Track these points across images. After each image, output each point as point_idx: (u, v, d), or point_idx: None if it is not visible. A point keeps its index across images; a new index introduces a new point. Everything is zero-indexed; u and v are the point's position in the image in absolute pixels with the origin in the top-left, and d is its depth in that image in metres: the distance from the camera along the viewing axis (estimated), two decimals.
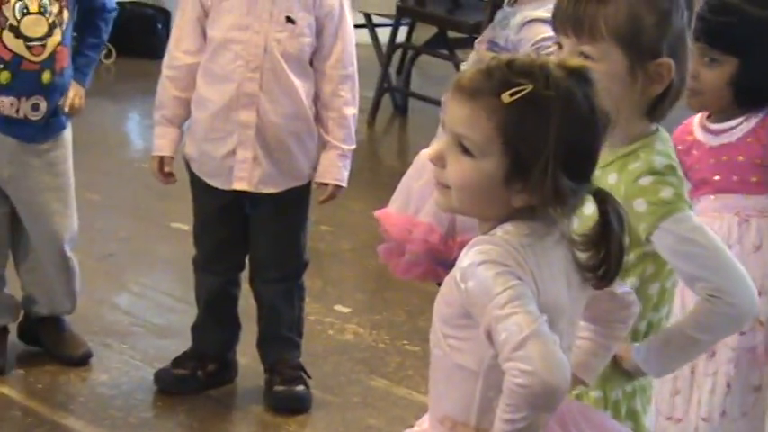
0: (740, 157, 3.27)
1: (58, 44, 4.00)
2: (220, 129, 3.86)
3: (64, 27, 4.00)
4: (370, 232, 4.64)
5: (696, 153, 3.28)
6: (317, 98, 3.92)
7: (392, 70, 7.55)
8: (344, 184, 4.00)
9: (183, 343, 4.15)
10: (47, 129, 4.06)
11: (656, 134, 2.55)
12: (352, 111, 3.98)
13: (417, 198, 3.73)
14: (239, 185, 3.88)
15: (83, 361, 4.23)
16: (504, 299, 2.03)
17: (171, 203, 4.97)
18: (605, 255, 2.19)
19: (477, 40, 3.87)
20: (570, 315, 2.20)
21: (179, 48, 3.94)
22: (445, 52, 7.38)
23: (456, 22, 7.06)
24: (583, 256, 2.18)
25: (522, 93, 2.11)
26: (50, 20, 3.97)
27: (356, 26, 6.41)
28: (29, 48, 3.96)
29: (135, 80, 7.18)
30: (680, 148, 3.16)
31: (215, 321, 4.11)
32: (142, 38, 7.79)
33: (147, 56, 7.31)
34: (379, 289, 4.97)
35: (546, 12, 3.61)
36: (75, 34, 4.23)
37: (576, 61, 2.27)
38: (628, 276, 2.54)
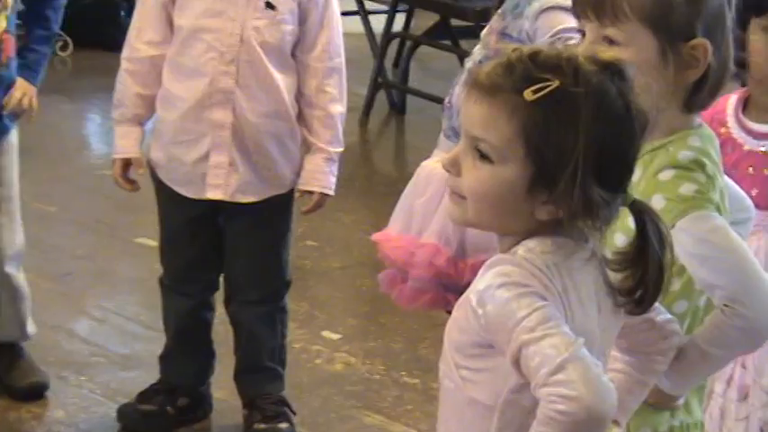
0: None
1: (3, 31, 4.04)
2: (191, 130, 3.85)
3: (8, 12, 4.04)
4: (363, 248, 4.80)
5: (732, 153, 3.28)
6: (300, 94, 3.93)
7: (388, 63, 7.53)
8: (332, 192, 3.98)
9: (150, 375, 4.13)
10: None
11: (696, 129, 2.55)
12: (339, 109, 3.99)
13: (420, 216, 3.77)
14: (213, 194, 3.87)
15: (36, 395, 4.20)
16: (533, 321, 2.02)
17: (136, 216, 5.00)
18: (642, 276, 2.19)
19: (484, 31, 3.89)
20: (601, 345, 2.20)
21: (141, 38, 3.93)
22: (448, 43, 7.45)
23: (460, 9, 7.06)
24: (617, 277, 2.18)
25: (548, 89, 2.10)
26: None
27: (347, 13, 6.51)
28: None
29: (94, 75, 7.11)
30: None
31: (186, 350, 4.09)
32: (103, 27, 7.71)
33: (108, 48, 7.16)
34: (373, 313, 4.96)
35: None
36: (19, 22, 4.21)
37: (609, 54, 2.25)
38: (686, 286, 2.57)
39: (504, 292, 2.06)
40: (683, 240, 2.43)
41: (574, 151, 2.09)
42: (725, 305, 2.42)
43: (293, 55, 3.91)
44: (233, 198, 3.90)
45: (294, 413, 4.06)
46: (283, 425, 3.99)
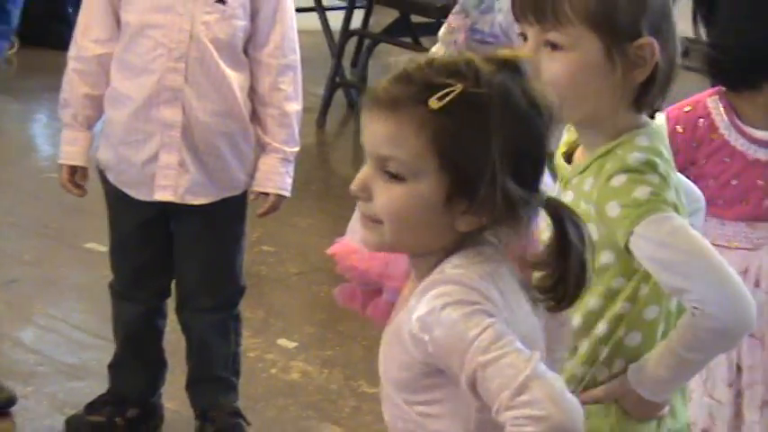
0: None
1: None
2: (140, 130, 3.86)
3: None
4: (321, 253, 4.59)
5: (729, 161, 3.32)
6: (252, 93, 3.95)
7: (346, 62, 7.61)
8: (288, 194, 3.99)
9: (99, 385, 4.13)
10: None
11: (642, 128, 2.55)
12: (294, 107, 4.00)
13: None
14: (162, 196, 3.88)
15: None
16: (486, 341, 2.01)
17: (84, 220, 5.03)
18: (563, 274, 2.21)
19: (441, 30, 4.00)
20: (544, 342, 2.23)
21: (87, 36, 3.93)
22: (408, 40, 7.48)
23: (421, 5, 7.11)
24: (536, 275, 2.21)
25: (453, 94, 2.10)
26: None
27: (303, 9, 6.50)
28: None
29: (41, 74, 7.10)
30: (681, 130, 3.27)
31: (136, 359, 4.09)
32: (49, 25, 7.66)
33: (55, 46, 7.11)
34: (331, 320, 4.95)
35: None
36: None
37: (505, 52, 2.25)
38: (615, 301, 2.58)
39: (450, 313, 2.06)
40: (644, 246, 2.45)
41: (489, 155, 2.10)
42: (694, 308, 2.42)
43: (245, 52, 3.92)
44: (183, 200, 3.90)
45: (248, 424, 4.06)
46: None
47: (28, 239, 4.95)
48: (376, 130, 2.16)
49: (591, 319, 2.63)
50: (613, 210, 2.47)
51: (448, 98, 2.09)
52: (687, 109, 3.28)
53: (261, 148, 3.98)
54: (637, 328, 2.58)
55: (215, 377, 4.08)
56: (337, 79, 7.29)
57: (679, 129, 3.28)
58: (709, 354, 2.60)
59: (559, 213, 2.19)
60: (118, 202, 4.01)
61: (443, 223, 2.14)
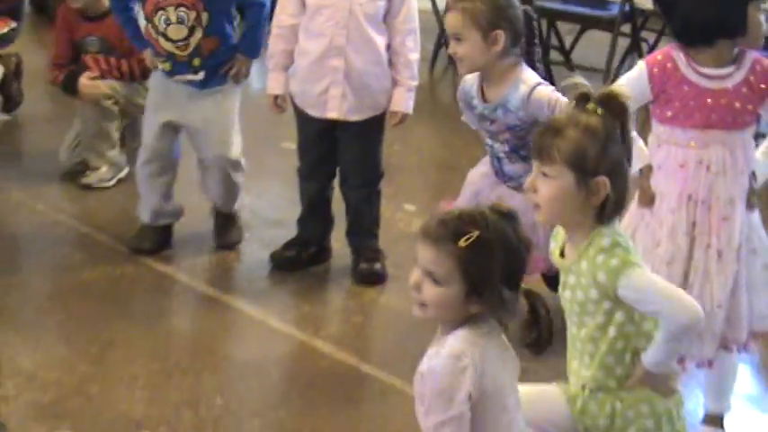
0: (737, 99, 3.35)
1: (201, 38, 4.43)
2: (317, 72, 4.24)
3: (204, 24, 4.43)
4: (430, 150, 4.86)
5: (688, 89, 3.36)
6: (389, 47, 4.28)
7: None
8: (410, 112, 4.35)
9: (291, 232, 4.62)
10: (205, 84, 4.52)
11: (603, 229, 2.75)
12: (415, 56, 4.32)
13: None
14: (331, 115, 4.29)
15: (231, 246, 4.71)
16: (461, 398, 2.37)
17: (281, 128, 5.23)
18: (538, 332, 2.53)
19: (489, 132, 4.03)
20: (513, 390, 2.51)
21: (284, 12, 4.32)
22: None
23: None
24: (522, 336, 2.52)
25: (473, 239, 2.39)
26: (189, 25, 4.42)
27: None
28: (177, 47, 4.46)
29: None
30: (656, 70, 3.37)
31: (314, 216, 4.53)
32: None
33: None
34: (438, 193, 5.14)
35: (527, 74, 3.82)
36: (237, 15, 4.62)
37: (504, 206, 2.52)
38: (612, 322, 2.81)
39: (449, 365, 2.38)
40: (626, 295, 2.71)
41: (492, 274, 2.39)
42: (665, 318, 2.72)
43: (384, 21, 4.25)
44: (345, 117, 4.29)
45: (386, 258, 4.49)
46: (378, 265, 4.46)
47: (246, 144, 4.83)
48: (425, 255, 2.43)
49: (611, 348, 2.82)
50: (602, 277, 2.72)
51: (469, 241, 2.39)
52: (659, 57, 3.38)
53: (393, 83, 4.32)
54: (641, 336, 2.81)
55: (364, 229, 4.52)
56: (442, 41, 7.25)
57: (655, 70, 3.37)
58: (680, 342, 2.79)
59: (532, 297, 2.53)
60: (302, 117, 4.40)
61: (462, 309, 2.43)
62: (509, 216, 2.43)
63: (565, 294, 2.85)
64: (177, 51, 4.48)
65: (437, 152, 4.41)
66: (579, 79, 2.98)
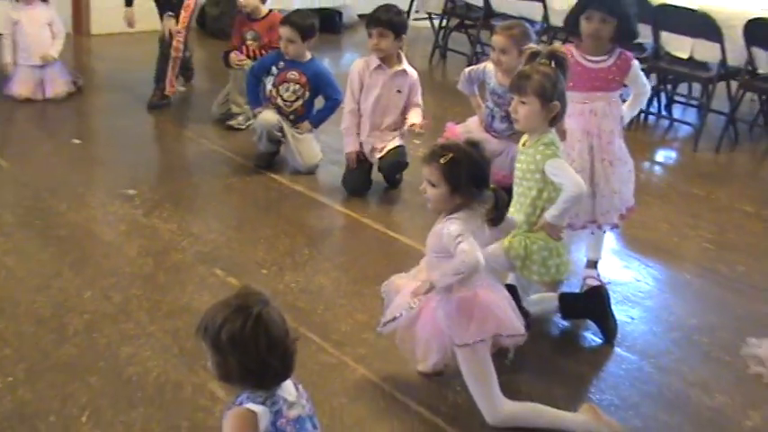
0: (609, 75, 3.44)
1: (299, 106, 4.75)
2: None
3: (305, 99, 4.78)
4: (431, 108, 4.80)
5: (580, 69, 3.39)
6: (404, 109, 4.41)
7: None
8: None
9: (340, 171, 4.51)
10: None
11: (549, 133, 2.90)
12: (419, 109, 4.41)
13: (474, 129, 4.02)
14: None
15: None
16: (459, 239, 2.44)
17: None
18: (498, 212, 2.57)
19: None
20: (485, 239, 2.61)
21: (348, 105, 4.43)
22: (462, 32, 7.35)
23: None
24: (489, 217, 2.57)
25: (448, 158, 2.49)
26: (297, 95, 4.71)
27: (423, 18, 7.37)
28: (285, 104, 4.76)
29: None
30: (569, 57, 3.23)
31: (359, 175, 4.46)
32: None
33: None
34: (436, 131, 4.33)
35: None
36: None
37: (473, 139, 2.58)
38: (537, 188, 2.94)
39: (450, 227, 2.48)
40: (549, 170, 2.86)
41: (464, 178, 2.48)
42: (563, 186, 2.87)
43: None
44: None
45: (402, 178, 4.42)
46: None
47: None
48: (426, 170, 2.53)
49: (533, 203, 2.96)
50: (540, 158, 2.87)
51: (446, 160, 2.48)
52: (565, 49, 3.19)
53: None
54: (550, 201, 2.95)
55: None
56: (436, 44, 7.12)
57: (568, 57, 3.22)
58: (571, 205, 2.93)
59: (496, 193, 2.56)
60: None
61: (449, 200, 2.52)
62: (474, 144, 2.55)
63: (519, 165, 3.01)
64: (284, 107, 4.77)
65: (435, 110, 4.69)
66: (533, 45, 3.17)
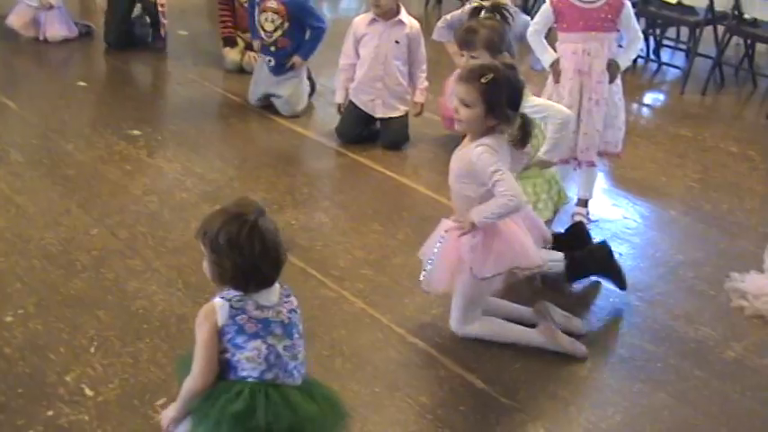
0: (602, 15, 3.44)
1: (279, 37, 4.60)
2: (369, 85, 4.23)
3: (285, 29, 4.59)
4: (427, 52, 4.58)
5: (574, 10, 3.42)
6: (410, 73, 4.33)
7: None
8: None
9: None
10: (278, 72, 4.63)
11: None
12: (425, 83, 4.35)
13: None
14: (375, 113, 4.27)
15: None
16: (494, 168, 2.36)
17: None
18: (524, 135, 2.47)
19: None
20: (509, 166, 2.48)
21: (344, 60, 4.31)
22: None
23: None
24: (516, 139, 2.48)
25: (489, 77, 2.37)
26: (276, 25, 4.58)
27: None
28: (267, 36, 4.61)
29: None
30: (557, 3, 3.43)
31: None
32: None
33: None
34: (432, 70, 4.50)
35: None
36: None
37: (508, 60, 2.54)
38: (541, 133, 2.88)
39: (482, 153, 2.38)
40: (529, 111, 2.69)
41: (501, 100, 2.38)
42: (548, 119, 2.85)
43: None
44: (384, 114, 4.31)
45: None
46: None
47: None
48: (461, 89, 2.40)
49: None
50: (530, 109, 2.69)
51: (487, 79, 2.36)
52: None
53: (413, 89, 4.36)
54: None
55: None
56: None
57: (556, 3, 3.45)
58: (561, 135, 2.86)
59: (524, 118, 2.46)
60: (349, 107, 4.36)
61: (483, 122, 2.40)
62: (512, 66, 2.44)
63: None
64: (266, 38, 4.66)
65: (431, 54, 4.42)
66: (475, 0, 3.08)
